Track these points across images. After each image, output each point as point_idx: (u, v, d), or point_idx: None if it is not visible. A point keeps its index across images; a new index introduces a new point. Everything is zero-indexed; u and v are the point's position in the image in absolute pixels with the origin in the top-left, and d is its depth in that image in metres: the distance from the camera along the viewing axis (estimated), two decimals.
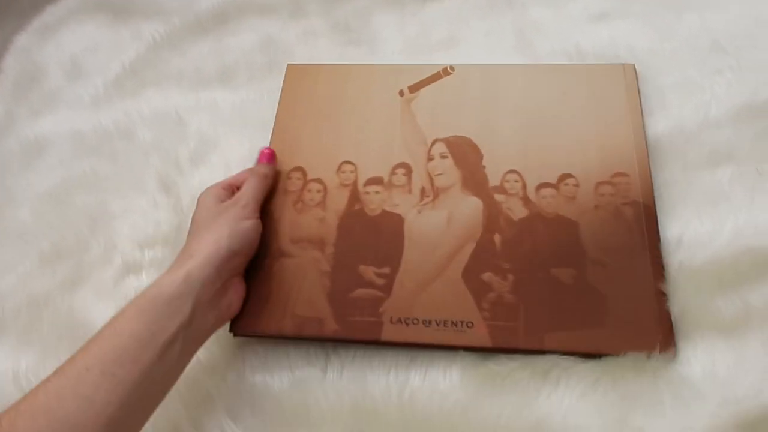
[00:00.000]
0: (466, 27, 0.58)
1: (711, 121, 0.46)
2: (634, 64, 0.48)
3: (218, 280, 0.37)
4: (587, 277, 0.39)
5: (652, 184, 0.42)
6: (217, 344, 0.42)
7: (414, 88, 0.49)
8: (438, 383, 0.38)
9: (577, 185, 0.43)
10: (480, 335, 0.38)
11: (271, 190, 0.46)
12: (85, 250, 0.52)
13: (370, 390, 0.38)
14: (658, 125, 0.44)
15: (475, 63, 0.50)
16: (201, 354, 0.41)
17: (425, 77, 0.50)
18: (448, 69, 0.50)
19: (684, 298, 0.38)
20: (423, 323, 0.39)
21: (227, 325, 0.41)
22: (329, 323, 0.40)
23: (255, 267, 0.43)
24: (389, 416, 0.37)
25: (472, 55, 0.55)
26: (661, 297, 0.38)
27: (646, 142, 0.44)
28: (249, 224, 0.40)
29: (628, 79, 0.47)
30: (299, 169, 0.47)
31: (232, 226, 0.39)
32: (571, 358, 0.37)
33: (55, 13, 0.74)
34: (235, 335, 0.42)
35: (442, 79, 0.50)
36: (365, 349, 0.40)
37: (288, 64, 0.53)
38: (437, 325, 0.39)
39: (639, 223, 0.41)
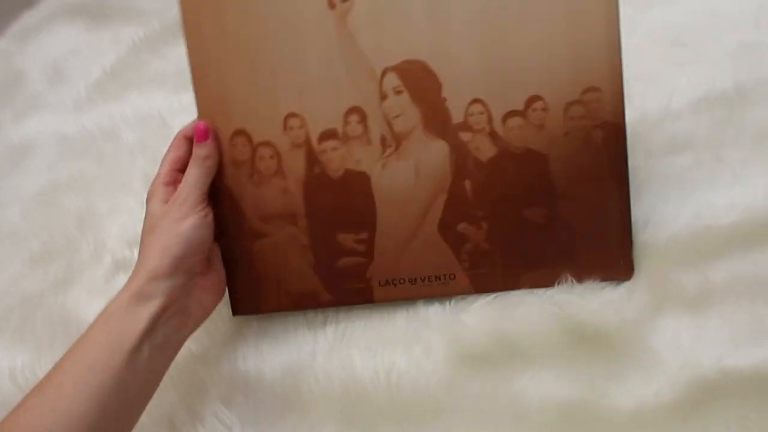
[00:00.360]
0: None
1: (672, 111, 0.49)
2: None
3: (173, 288, 0.37)
4: (558, 213, 0.41)
5: (622, 97, 0.39)
6: (208, 334, 0.45)
7: None
8: (422, 364, 0.41)
9: (545, 109, 0.40)
10: (462, 285, 0.42)
11: (218, 164, 0.41)
12: (75, 250, 0.53)
13: (358, 374, 0.41)
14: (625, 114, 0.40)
15: None
16: (193, 345, 0.44)
17: None
18: None
19: (650, 274, 0.41)
20: (409, 281, 0.42)
21: (222, 311, 0.43)
22: (322, 294, 0.43)
23: (233, 252, 0.42)
24: (378, 398, 0.40)
25: None
26: (625, 222, 0.41)
27: (619, 39, 0.39)
28: (189, 223, 0.38)
29: None
30: (241, 132, 0.41)
31: (172, 231, 0.37)
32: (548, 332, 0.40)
33: (33, 17, 0.74)
34: (234, 315, 0.44)
35: None
36: (353, 327, 0.43)
37: None
38: (422, 281, 0.42)
39: (608, 148, 0.40)
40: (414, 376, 0.41)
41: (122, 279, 0.49)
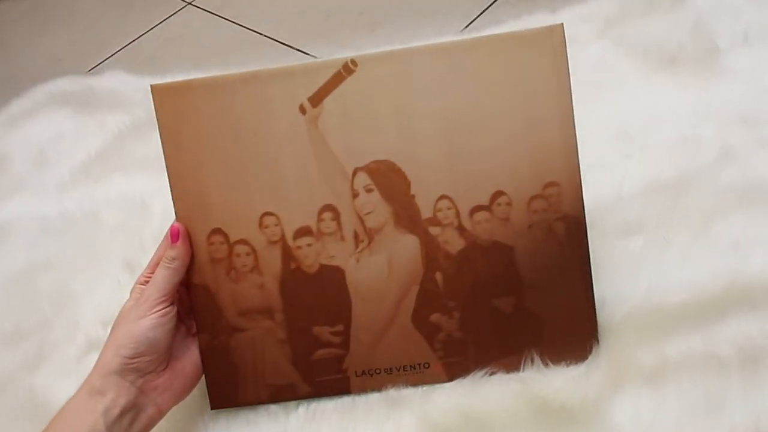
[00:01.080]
0: None
1: (624, 197, 0.53)
2: (562, 24, 0.41)
3: (123, 385, 0.38)
4: (525, 302, 0.43)
5: (581, 191, 0.42)
6: (179, 411, 0.43)
7: (315, 100, 0.41)
8: None
9: (509, 203, 0.42)
10: (437, 373, 0.43)
11: (196, 260, 0.42)
12: (48, 330, 0.53)
13: None
14: None
15: (379, 51, 0.42)
16: (164, 422, 0.42)
17: (325, 81, 0.41)
18: (350, 65, 0.41)
19: (609, 350, 0.43)
20: (385, 371, 0.43)
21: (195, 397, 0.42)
22: (300, 387, 0.43)
23: (212, 346, 0.42)
24: None
25: None
26: (590, 308, 0.42)
27: (575, 136, 0.41)
28: (144, 324, 0.38)
29: (556, 46, 0.40)
30: (218, 231, 0.42)
31: (126, 331, 0.39)
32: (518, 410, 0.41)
33: (21, 106, 0.76)
34: (212, 409, 0.43)
35: (346, 81, 0.41)
36: (324, 406, 0.43)
37: (152, 86, 0.42)
38: (398, 370, 0.43)
39: (570, 239, 0.42)
40: None
41: (94, 358, 0.49)
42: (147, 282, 0.40)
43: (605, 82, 0.65)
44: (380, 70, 0.41)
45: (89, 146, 0.68)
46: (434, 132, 0.42)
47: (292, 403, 0.44)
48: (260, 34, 0.98)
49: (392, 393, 0.43)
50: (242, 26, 1.02)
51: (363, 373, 0.43)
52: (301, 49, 0.93)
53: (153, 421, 0.39)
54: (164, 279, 0.40)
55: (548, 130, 0.41)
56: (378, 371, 0.43)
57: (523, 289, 0.42)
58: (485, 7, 0.89)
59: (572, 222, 0.42)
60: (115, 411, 0.37)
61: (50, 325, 0.53)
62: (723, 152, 0.55)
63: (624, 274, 0.48)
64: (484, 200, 0.42)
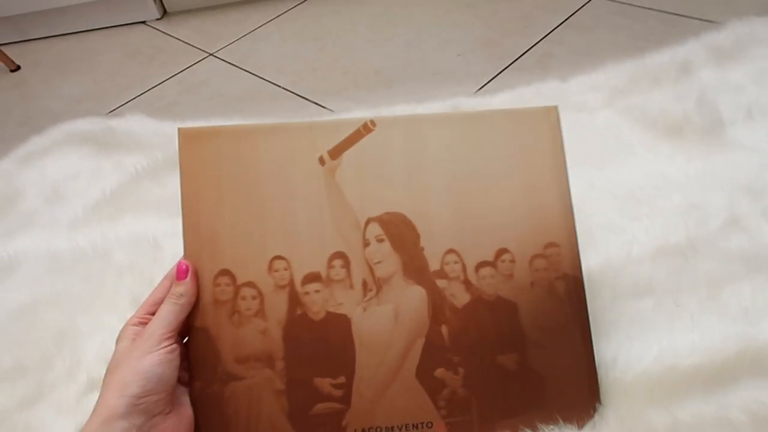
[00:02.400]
0: None
1: (633, 258, 0.53)
2: (557, 106, 0.45)
3: (129, 429, 0.35)
4: (528, 360, 0.43)
5: (578, 253, 0.43)
6: None
7: (335, 153, 0.44)
8: None
9: (513, 261, 0.43)
10: None
11: (199, 301, 0.42)
12: (49, 367, 0.52)
13: None
14: (590, 260, 0.46)
15: (396, 115, 0.46)
16: None
17: (345, 137, 0.44)
18: (369, 125, 0.44)
19: (620, 410, 0.42)
20: (386, 430, 0.42)
21: None
22: None
23: (205, 395, 0.41)
24: None
25: None
26: (590, 367, 0.42)
27: (570, 204, 0.44)
28: (151, 359, 0.37)
29: (551, 123, 0.45)
30: (226, 272, 0.42)
31: (131, 369, 0.37)
32: None
33: (39, 143, 0.77)
34: None
35: (365, 138, 0.44)
36: None
37: (179, 129, 0.44)
38: (399, 430, 0.42)
39: (570, 298, 0.43)
40: None
41: (96, 397, 0.48)
42: (141, 323, 0.40)
43: (613, 148, 0.67)
44: (396, 131, 0.44)
45: (104, 185, 0.68)
46: (443, 190, 0.44)
47: None
48: (278, 86, 1.03)
49: None
50: (262, 78, 1.06)
51: (363, 431, 0.42)
52: (318, 102, 0.96)
53: None
54: (171, 314, 0.39)
55: (546, 196, 0.44)
56: (378, 430, 0.42)
57: (527, 346, 0.43)
58: (497, 72, 0.94)
59: (571, 281, 0.43)
60: None
61: (51, 362, 0.52)
62: (730, 220, 0.57)
63: (635, 335, 0.48)
64: (489, 256, 0.43)
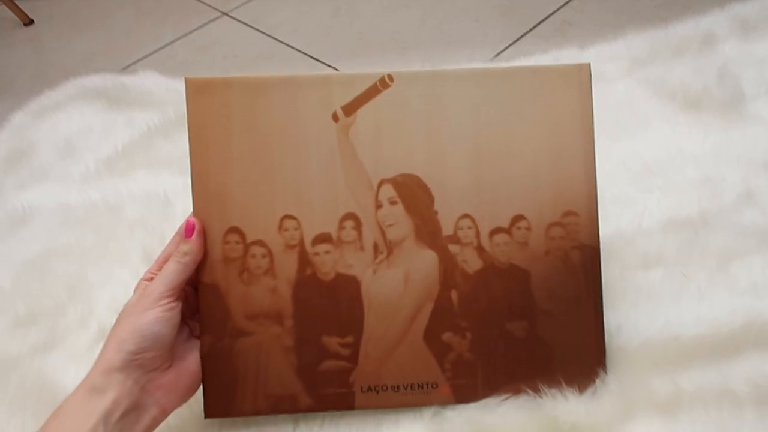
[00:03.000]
0: None
1: (644, 230, 0.52)
2: (589, 64, 0.42)
3: (125, 382, 0.35)
4: (537, 328, 0.41)
5: (597, 223, 0.41)
6: (188, 408, 0.42)
7: (349, 110, 0.41)
8: None
9: (529, 228, 0.41)
10: (444, 395, 0.41)
11: (209, 258, 0.41)
12: (61, 315, 0.52)
13: None
14: (601, 231, 0.43)
15: (415, 70, 0.42)
16: (171, 418, 0.41)
17: (360, 92, 0.41)
18: (386, 80, 0.41)
19: (623, 377, 0.42)
20: (392, 389, 0.41)
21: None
22: (302, 398, 0.41)
23: (215, 349, 0.41)
24: None
25: None
26: (599, 338, 0.41)
27: (594, 171, 0.42)
28: (148, 317, 0.37)
29: (582, 83, 0.41)
30: (235, 230, 0.41)
31: (129, 325, 0.36)
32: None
33: (53, 97, 0.76)
34: (206, 418, 0.41)
35: (381, 94, 0.41)
36: (332, 416, 0.42)
37: (186, 78, 0.41)
38: (405, 389, 0.41)
39: (584, 268, 0.41)
40: None
41: None
42: (153, 279, 0.39)
43: (630, 119, 0.64)
44: (415, 88, 0.41)
45: (116, 141, 0.67)
46: (461, 152, 0.41)
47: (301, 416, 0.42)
48: (292, 47, 1.00)
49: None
50: (275, 39, 1.03)
51: (369, 389, 0.41)
52: (331, 64, 0.93)
53: (156, 422, 0.37)
54: (173, 273, 0.38)
55: (570, 162, 0.42)
56: (384, 388, 0.41)
57: (536, 314, 0.41)
58: (514, 39, 0.90)
59: (588, 251, 0.41)
60: (117, 413, 0.34)
61: (64, 311, 0.52)
62: (744, 195, 0.55)
63: (641, 305, 0.47)
64: (505, 223, 0.41)
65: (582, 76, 0.41)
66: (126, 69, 1.00)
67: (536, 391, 0.41)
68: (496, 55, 0.86)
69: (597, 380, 0.41)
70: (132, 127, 0.69)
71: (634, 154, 0.60)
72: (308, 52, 0.97)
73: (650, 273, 0.50)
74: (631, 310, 0.46)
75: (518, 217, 0.41)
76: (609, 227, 0.52)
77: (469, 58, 0.83)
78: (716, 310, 0.45)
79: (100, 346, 0.46)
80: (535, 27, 0.91)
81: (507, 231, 0.41)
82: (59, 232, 0.59)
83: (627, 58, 0.71)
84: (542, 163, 0.41)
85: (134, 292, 0.39)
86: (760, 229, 0.52)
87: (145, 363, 0.36)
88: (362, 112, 0.41)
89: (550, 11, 0.94)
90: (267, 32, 1.05)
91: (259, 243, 0.41)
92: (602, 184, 0.43)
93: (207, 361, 0.40)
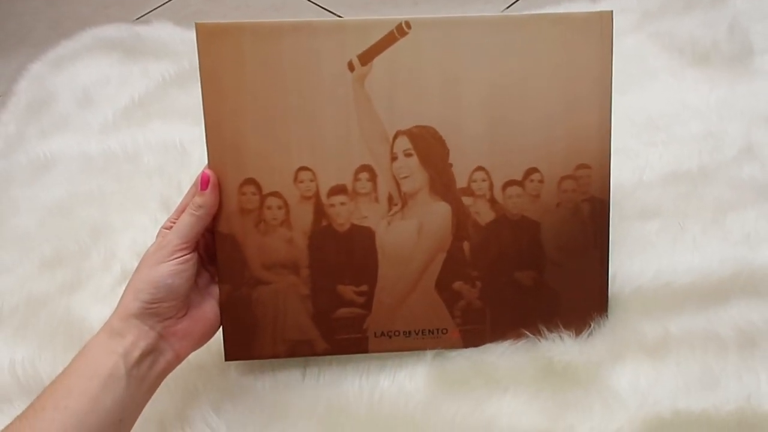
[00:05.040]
0: None
1: (644, 183, 0.50)
2: (611, 11, 0.37)
3: (141, 328, 0.34)
4: (545, 278, 0.39)
5: (609, 176, 0.39)
6: (206, 348, 0.41)
7: (365, 58, 0.37)
8: (404, 386, 0.39)
9: (542, 181, 0.38)
10: (453, 339, 0.40)
11: (225, 209, 0.38)
12: (85, 257, 0.50)
13: (344, 391, 0.39)
14: None
15: (433, 17, 0.37)
16: (191, 355, 0.40)
17: (377, 40, 0.37)
18: (403, 27, 0.37)
19: (615, 322, 0.40)
20: (404, 334, 0.39)
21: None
22: (319, 343, 0.39)
23: (233, 297, 0.39)
24: (359, 414, 0.38)
25: None
26: (603, 289, 0.40)
27: (610, 121, 0.38)
28: (162, 270, 0.35)
29: (604, 32, 0.37)
30: (251, 181, 0.38)
31: (144, 276, 0.35)
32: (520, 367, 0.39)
33: (69, 47, 0.72)
34: (227, 360, 0.40)
35: (398, 42, 0.37)
36: (339, 358, 0.40)
37: (197, 24, 0.37)
38: (416, 334, 0.40)
39: (593, 220, 0.39)
40: (395, 396, 0.39)
41: None
42: (172, 227, 0.36)
43: (637, 73, 0.59)
44: (432, 35, 0.37)
45: (133, 91, 0.63)
46: (478, 103, 0.37)
47: None
48: None
49: None
50: None
51: (382, 334, 0.39)
52: (343, 16, 0.87)
53: (171, 366, 0.36)
54: (187, 226, 0.36)
55: (586, 114, 0.38)
56: (396, 333, 0.39)
57: (545, 264, 0.39)
58: None
59: (598, 204, 0.39)
60: (135, 353, 0.33)
61: (88, 254, 0.50)
62: (745, 149, 0.52)
63: (637, 255, 0.45)
64: (518, 175, 0.38)
65: (604, 24, 0.37)
66: (139, 19, 0.94)
67: (536, 333, 0.40)
68: (508, 7, 0.80)
69: (592, 324, 0.40)
70: (148, 78, 0.65)
71: (639, 108, 0.56)
72: (321, 3, 0.91)
73: (647, 224, 0.47)
74: (627, 260, 0.44)
75: (531, 170, 0.38)
76: (611, 179, 0.49)
77: (480, 10, 0.77)
78: (708, 259, 0.43)
79: (123, 287, 0.45)
80: None
81: (520, 183, 0.38)
82: (80, 179, 0.56)
83: (638, 11, 0.65)
84: (557, 115, 0.38)
85: (156, 238, 0.37)
86: (757, 183, 0.49)
87: (160, 311, 0.35)
88: (378, 61, 0.37)
89: None
90: None
91: (275, 194, 0.38)
92: None
93: (226, 308, 0.38)
